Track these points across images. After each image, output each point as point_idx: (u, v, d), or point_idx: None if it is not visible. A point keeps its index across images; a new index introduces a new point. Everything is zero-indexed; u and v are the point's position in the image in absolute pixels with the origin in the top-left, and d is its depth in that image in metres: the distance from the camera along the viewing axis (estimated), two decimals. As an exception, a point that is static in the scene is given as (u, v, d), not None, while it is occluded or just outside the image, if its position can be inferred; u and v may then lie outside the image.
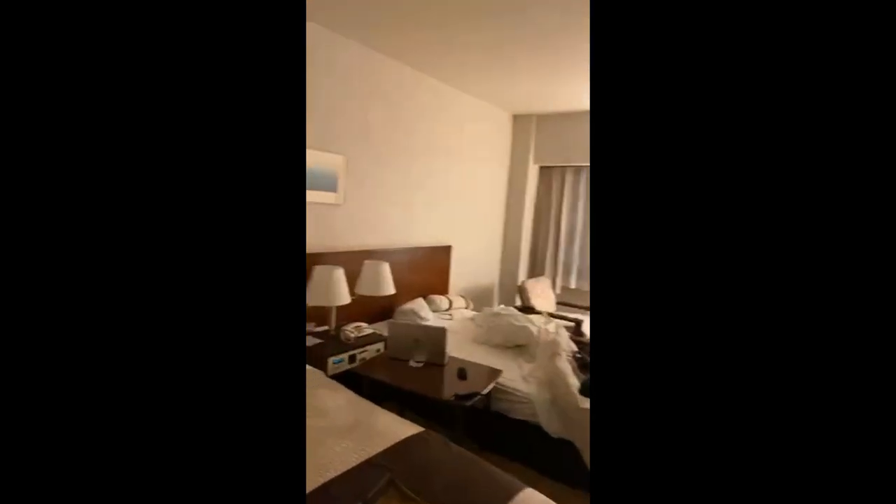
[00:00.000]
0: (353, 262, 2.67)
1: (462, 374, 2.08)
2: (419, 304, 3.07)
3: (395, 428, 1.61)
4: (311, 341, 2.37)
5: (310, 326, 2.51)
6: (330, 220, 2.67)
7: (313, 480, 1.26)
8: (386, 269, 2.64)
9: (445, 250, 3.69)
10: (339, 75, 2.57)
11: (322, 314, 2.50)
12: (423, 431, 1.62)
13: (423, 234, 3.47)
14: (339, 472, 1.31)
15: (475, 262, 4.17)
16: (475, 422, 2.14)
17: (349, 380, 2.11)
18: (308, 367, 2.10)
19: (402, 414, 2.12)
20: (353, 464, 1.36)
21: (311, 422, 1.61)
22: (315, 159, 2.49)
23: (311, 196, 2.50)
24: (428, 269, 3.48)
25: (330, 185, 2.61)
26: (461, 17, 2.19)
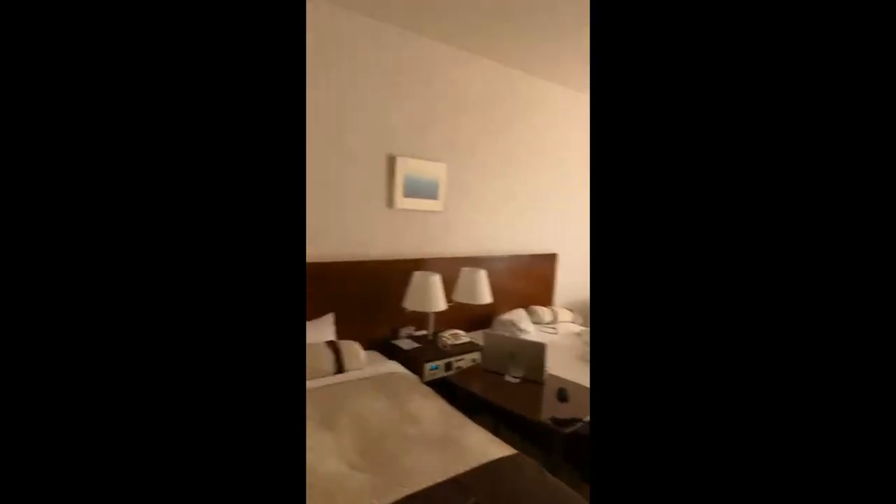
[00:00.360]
0: (453, 268, 2.66)
1: (562, 396, 1.89)
2: (519, 315, 2.93)
3: (486, 447, 1.52)
4: (409, 345, 2.41)
5: (409, 330, 2.56)
6: (430, 227, 2.71)
7: (394, 491, 1.23)
8: (483, 276, 2.57)
9: (550, 259, 3.48)
10: (440, 83, 2.60)
11: (421, 319, 2.54)
12: (516, 454, 1.49)
13: (526, 242, 3.32)
14: (421, 487, 1.26)
15: (585, 272, 3.85)
16: (577, 449, 1.93)
17: (444, 387, 2.08)
18: (405, 371, 2.14)
19: (496, 429, 2.02)
20: (438, 480, 1.30)
21: (402, 428, 1.61)
22: (417, 168, 2.55)
23: (414, 204, 2.57)
24: (530, 278, 3.31)
25: (431, 192, 2.65)
26: (567, 14, 2.03)
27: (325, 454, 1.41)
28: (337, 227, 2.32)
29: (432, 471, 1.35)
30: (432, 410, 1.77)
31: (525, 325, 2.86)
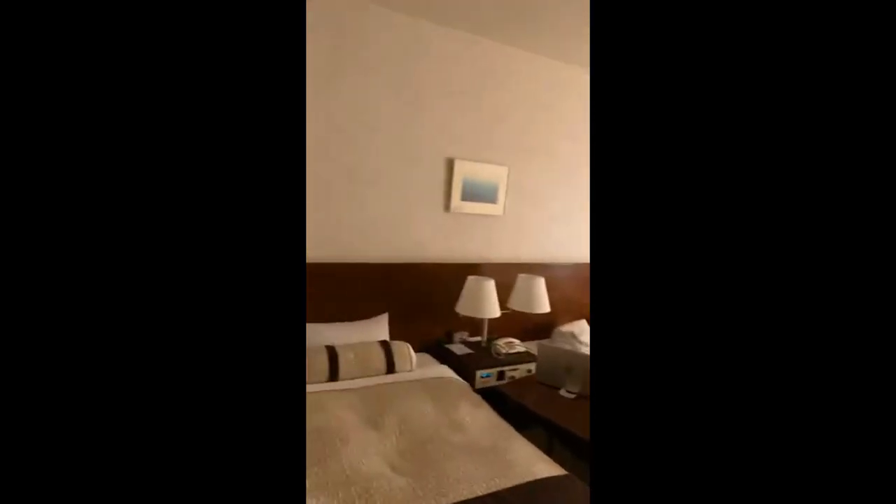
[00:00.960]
0: (511, 274, 2.58)
1: (623, 417, 1.73)
2: (581, 327, 2.76)
3: (534, 463, 1.44)
4: (461, 350, 2.38)
5: (462, 335, 2.53)
6: (488, 232, 2.66)
7: (433, 499, 1.20)
8: (541, 284, 2.46)
9: (618, 268, 3.25)
10: (503, 85, 2.55)
11: (475, 324, 2.50)
12: (565, 476, 1.39)
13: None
14: (460, 499, 1.22)
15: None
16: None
17: (494, 397, 2.01)
18: (456, 376, 2.11)
19: (549, 444, 1.91)
20: (479, 493, 1.25)
21: (447, 434, 1.58)
22: (476, 171, 2.53)
23: (472, 208, 2.54)
24: (595, 289, 3.11)
25: (490, 196, 2.61)
26: None
27: (369, 453, 1.42)
28: (392, 229, 2.37)
29: (474, 482, 1.30)
30: (480, 419, 1.71)
31: (586, 337, 2.69)
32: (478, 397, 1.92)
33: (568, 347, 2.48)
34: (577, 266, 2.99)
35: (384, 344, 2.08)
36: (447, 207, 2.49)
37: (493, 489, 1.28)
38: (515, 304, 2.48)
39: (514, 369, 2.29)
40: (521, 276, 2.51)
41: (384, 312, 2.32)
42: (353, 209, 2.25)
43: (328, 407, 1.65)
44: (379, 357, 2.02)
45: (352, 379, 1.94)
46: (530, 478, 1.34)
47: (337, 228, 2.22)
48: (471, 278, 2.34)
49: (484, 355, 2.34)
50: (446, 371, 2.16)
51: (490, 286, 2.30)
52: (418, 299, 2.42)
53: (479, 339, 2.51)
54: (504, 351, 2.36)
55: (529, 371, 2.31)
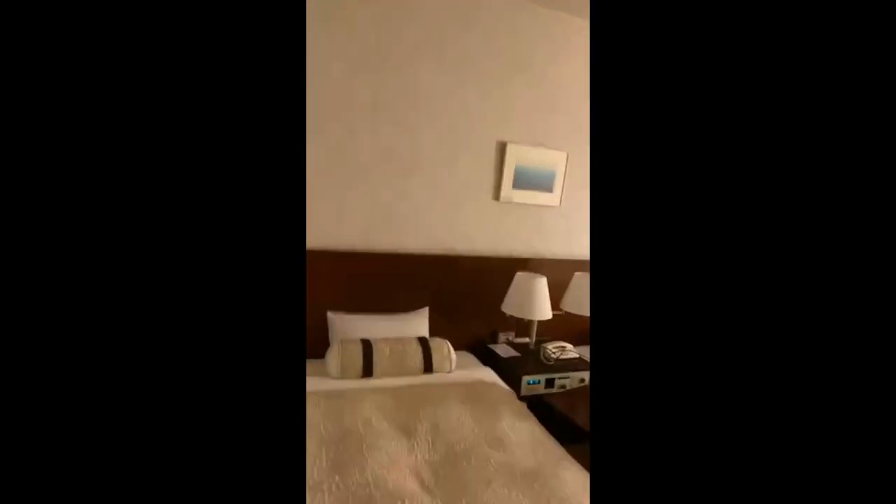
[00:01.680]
0: (566, 272, 2.33)
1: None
2: (644, 334, 2.45)
3: (585, 494, 1.22)
4: (507, 352, 2.18)
5: (509, 335, 2.33)
6: (542, 223, 2.42)
7: (463, 534, 1.04)
8: (601, 284, 2.19)
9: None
10: (563, 60, 2.28)
11: (523, 324, 2.28)
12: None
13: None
14: (495, 535, 1.04)
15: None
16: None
17: (541, 406, 1.81)
18: (499, 381, 1.93)
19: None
20: (518, 529, 1.07)
21: (486, 450, 1.41)
22: (531, 157, 2.29)
23: (524, 196, 2.31)
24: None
25: (546, 184, 2.36)
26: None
27: (397, 464, 1.28)
28: (436, 217, 2.20)
29: (513, 514, 1.12)
30: (524, 434, 1.52)
31: (650, 346, 2.38)
32: (523, 406, 1.72)
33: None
34: (643, 265, 2.66)
35: (422, 341, 1.94)
36: (497, 196, 2.28)
37: (536, 525, 1.09)
38: (569, 305, 2.23)
39: (566, 377, 2.06)
40: (578, 275, 2.24)
41: (424, 306, 2.18)
42: (394, 195, 2.11)
43: (358, 407, 1.53)
44: (416, 354, 1.88)
45: (386, 377, 1.82)
46: (581, 514, 1.14)
47: (376, 215, 2.10)
48: (520, 274, 2.13)
49: (531, 359, 2.13)
50: (489, 374, 1.98)
51: (541, 284, 2.07)
52: (462, 294, 2.24)
53: (526, 340, 2.30)
54: (554, 356, 2.13)
55: (582, 381, 2.08)
